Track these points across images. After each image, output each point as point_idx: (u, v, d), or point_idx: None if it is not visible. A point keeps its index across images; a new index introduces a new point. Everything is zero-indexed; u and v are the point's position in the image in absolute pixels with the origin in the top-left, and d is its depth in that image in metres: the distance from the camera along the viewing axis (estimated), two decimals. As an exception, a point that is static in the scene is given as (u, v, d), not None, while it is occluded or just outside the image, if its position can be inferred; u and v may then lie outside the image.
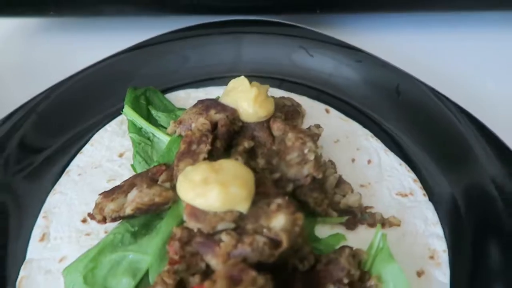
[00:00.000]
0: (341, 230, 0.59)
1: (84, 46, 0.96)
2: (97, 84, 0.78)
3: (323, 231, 0.58)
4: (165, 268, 0.47)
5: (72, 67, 0.81)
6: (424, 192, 0.64)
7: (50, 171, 0.67)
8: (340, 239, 0.57)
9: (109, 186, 0.62)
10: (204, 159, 0.55)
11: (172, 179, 0.55)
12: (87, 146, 0.70)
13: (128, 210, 0.52)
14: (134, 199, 0.52)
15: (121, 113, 0.74)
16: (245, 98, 0.62)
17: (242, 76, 0.65)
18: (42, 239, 0.59)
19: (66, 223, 0.61)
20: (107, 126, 0.73)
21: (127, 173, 0.66)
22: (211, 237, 0.48)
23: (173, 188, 0.54)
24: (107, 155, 0.69)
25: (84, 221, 0.61)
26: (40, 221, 0.61)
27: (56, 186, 0.65)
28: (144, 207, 0.52)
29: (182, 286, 0.47)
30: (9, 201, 0.63)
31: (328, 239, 0.57)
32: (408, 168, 0.67)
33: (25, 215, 0.62)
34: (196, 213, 0.50)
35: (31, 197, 0.64)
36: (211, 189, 0.49)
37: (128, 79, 0.79)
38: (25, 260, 0.57)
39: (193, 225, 0.50)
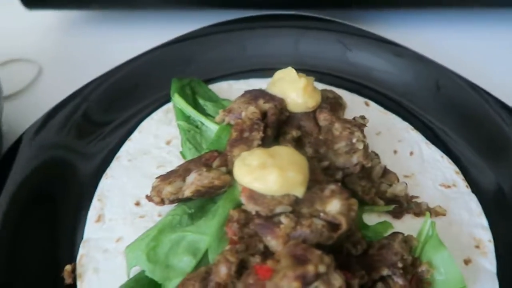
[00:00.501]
0: (387, 218, 0.60)
1: (121, 38, 0.98)
2: (142, 75, 0.80)
3: (370, 219, 0.60)
4: (227, 247, 0.49)
5: (112, 58, 0.83)
6: (466, 183, 0.65)
7: (101, 156, 0.70)
8: (387, 227, 0.58)
9: (159, 172, 0.64)
10: (258, 145, 0.57)
11: (226, 165, 0.57)
12: (135, 133, 0.73)
13: (187, 192, 0.54)
14: (194, 181, 0.54)
15: (166, 102, 0.76)
16: (294, 88, 0.63)
17: (290, 67, 0.66)
18: (98, 220, 0.62)
19: (120, 206, 0.63)
20: (154, 115, 0.75)
21: (176, 160, 0.68)
22: (270, 219, 0.50)
23: (229, 172, 0.56)
24: (155, 142, 0.71)
25: (137, 204, 0.63)
26: (95, 203, 0.63)
27: (108, 171, 0.68)
28: (203, 190, 0.54)
29: (243, 266, 0.49)
30: (64, 181, 0.66)
31: (376, 227, 0.58)
32: (450, 160, 0.68)
33: (80, 197, 0.65)
34: (254, 196, 0.52)
35: (84, 180, 0.67)
36: (269, 173, 0.51)
37: (171, 71, 0.81)
38: (83, 239, 0.60)
39: (251, 207, 0.52)
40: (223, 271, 0.47)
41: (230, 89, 0.80)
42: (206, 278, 0.48)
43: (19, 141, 0.69)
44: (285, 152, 0.54)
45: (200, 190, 0.54)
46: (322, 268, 0.42)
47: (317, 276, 0.41)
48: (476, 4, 0.91)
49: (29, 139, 0.69)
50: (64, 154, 0.68)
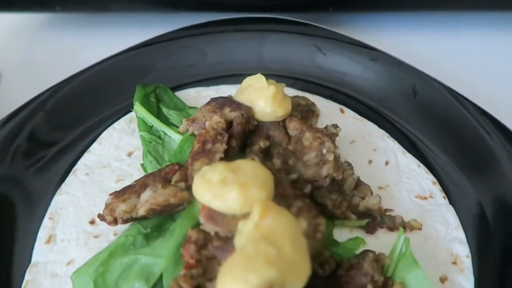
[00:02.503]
0: (360, 233, 0.56)
1: (89, 42, 0.93)
2: (104, 81, 0.75)
3: (341, 234, 0.56)
4: (181, 272, 0.45)
5: (78, 64, 0.78)
6: (444, 194, 0.62)
7: (56, 169, 0.65)
8: (359, 243, 0.55)
9: (118, 187, 0.60)
10: (221, 158, 0.53)
11: (186, 179, 0.53)
12: (94, 145, 0.68)
13: (142, 211, 0.49)
14: (148, 199, 0.49)
15: (130, 111, 0.72)
16: (262, 96, 0.60)
17: (259, 74, 0.62)
18: (48, 241, 0.57)
19: (74, 225, 0.58)
20: (116, 124, 0.70)
21: (137, 173, 0.63)
22: (230, 241, 0.46)
23: (188, 188, 0.52)
24: (116, 154, 0.67)
25: (92, 222, 0.58)
26: (46, 222, 0.58)
27: (63, 186, 0.63)
28: (159, 208, 0.49)
29: (199, 292, 0.45)
30: (15, 198, 0.60)
31: (347, 243, 0.55)
32: (427, 170, 0.65)
33: (30, 215, 0.59)
34: (213, 215, 0.48)
35: (36, 196, 0.62)
36: (229, 190, 0.47)
37: (137, 77, 0.76)
38: (31, 263, 0.55)
39: (210, 228, 0.48)
40: (175, 300, 0.43)
41: (199, 96, 0.76)
42: (157, 307, 0.44)
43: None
44: (248, 167, 0.50)
45: (155, 208, 0.49)
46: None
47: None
48: (453, 7, 0.88)
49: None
50: (13, 171, 0.63)
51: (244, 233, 0.44)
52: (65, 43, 0.94)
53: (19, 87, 0.87)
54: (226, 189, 0.47)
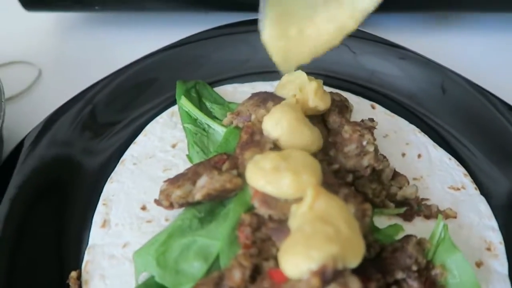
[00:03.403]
0: (398, 221, 0.60)
1: (124, 40, 0.97)
2: (144, 77, 0.79)
3: (381, 222, 0.59)
4: (239, 252, 0.48)
5: (113, 62, 0.82)
6: (475, 186, 0.65)
7: (102, 160, 0.69)
8: (398, 230, 0.58)
9: (165, 176, 0.64)
10: (270, 149, 0.56)
11: (236, 167, 0.56)
12: (140, 137, 0.71)
13: (198, 196, 0.53)
14: (205, 185, 0.53)
15: (171, 106, 0.75)
16: (304, 92, 0.63)
17: (300, 70, 0.66)
18: (103, 226, 0.60)
19: (126, 210, 0.62)
20: (158, 118, 0.74)
21: (182, 163, 0.67)
22: (284, 223, 0.50)
23: (239, 175, 0.55)
24: (160, 146, 0.70)
25: (143, 208, 0.62)
26: (100, 207, 0.62)
27: (113, 175, 0.66)
28: (215, 193, 0.53)
29: (256, 271, 0.48)
30: (68, 185, 0.64)
31: (387, 230, 0.58)
32: (458, 163, 0.68)
33: (84, 202, 0.63)
34: (267, 199, 0.51)
35: (88, 184, 0.65)
36: (283, 177, 0.50)
37: (174, 74, 0.80)
38: (88, 246, 0.58)
39: (264, 211, 0.51)
40: (237, 276, 0.46)
41: (235, 92, 0.79)
42: (219, 283, 0.46)
43: (20, 145, 0.68)
44: (298, 155, 0.53)
45: (211, 193, 0.53)
46: (340, 264, 0.41)
47: (336, 273, 0.41)
48: (480, 9, 0.92)
49: (30, 143, 0.67)
50: (67, 157, 0.67)
51: (299, 215, 0.47)
52: (99, 42, 0.97)
53: (59, 85, 0.91)
54: (279, 175, 0.50)
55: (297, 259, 0.42)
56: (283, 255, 0.44)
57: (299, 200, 0.50)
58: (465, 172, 0.67)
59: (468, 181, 0.65)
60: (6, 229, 0.58)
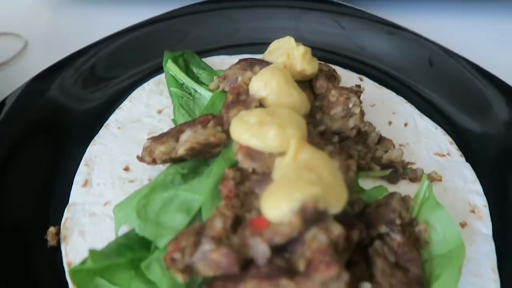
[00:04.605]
0: (383, 183, 0.59)
1: (109, 15, 0.97)
2: (131, 48, 0.79)
3: (365, 184, 0.59)
4: (222, 203, 0.48)
5: (98, 35, 0.82)
6: (460, 153, 0.65)
7: (87, 123, 0.68)
8: (383, 191, 0.57)
9: (150, 139, 0.63)
10: (256, 107, 0.56)
11: (221, 125, 0.56)
12: (125, 102, 0.71)
13: (181, 151, 0.52)
14: (188, 139, 0.52)
15: (157, 73, 0.75)
16: (292, 56, 0.63)
17: (288, 36, 0.66)
18: (85, 185, 0.59)
19: (108, 171, 0.60)
20: (145, 85, 0.73)
21: (167, 128, 0.65)
22: (268, 176, 0.49)
23: (224, 133, 0.55)
24: (146, 111, 0.69)
25: (126, 169, 0.61)
26: (82, 168, 0.61)
27: (96, 138, 0.65)
28: (198, 147, 0.52)
29: (238, 223, 0.47)
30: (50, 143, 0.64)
31: (371, 191, 0.57)
32: (444, 132, 0.68)
33: (65, 162, 0.62)
34: (251, 153, 0.50)
35: (70, 146, 0.65)
36: (268, 130, 0.50)
37: (161, 44, 0.79)
38: (69, 204, 0.57)
39: (248, 164, 0.50)
40: (218, 225, 0.45)
41: (223, 64, 0.79)
42: (200, 233, 0.45)
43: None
44: (283, 111, 0.53)
45: (194, 147, 0.52)
46: (321, 206, 0.41)
47: (317, 215, 0.40)
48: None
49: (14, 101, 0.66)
50: (50, 114, 0.67)
51: (283, 166, 0.47)
52: (85, 16, 0.98)
53: (43, 57, 0.90)
54: (264, 128, 0.50)
55: (278, 201, 0.41)
56: (265, 200, 0.43)
57: (283, 154, 0.50)
58: (451, 140, 0.67)
59: (453, 149, 0.66)
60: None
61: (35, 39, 0.92)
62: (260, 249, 0.42)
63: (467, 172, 0.63)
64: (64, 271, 0.50)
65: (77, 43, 0.83)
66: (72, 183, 0.59)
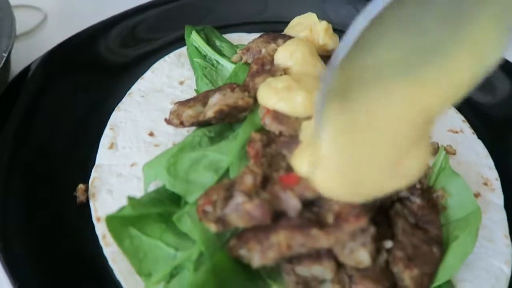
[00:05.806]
0: (400, 155, 0.62)
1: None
2: (150, 22, 0.81)
3: (383, 155, 0.61)
4: (251, 161, 0.49)
5: (115, 10, 0.83)
6: (472, 131, 0.68)
7: (110, 95, 0.69)
8: (400, 162, 0.60)
9: (173, 107, 0.64)
10: (281, 75, 0.58)
11: (248, 91, 0.57)
12: (147, 73, 0.72)
13: (210, 113, 0.53)
14: (218, 101, 0.53)
15: (178, 47, 0.76)
16: (314, 31, 0.65)
17: (309, 12, 0.68)
18: (111, 147, 0.60)
19: (134, 135, 0.62)
20: (166, 57, 0.75)
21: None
22: (294, 138, 0.51)
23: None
24: (168, 82, 0.71)
25: (151, 134, 0.62)
26: (107, 131, 0.62)
27: (120, 105, 0.67)
28: (226, 110, 0.53)
29: (266, 181, 0.48)
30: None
31: (390, 161, 0.60)
32: (456, 110, 0.71)
33: (90, 125, 0.64)
34: (278, 116, 0.52)
35: (96, 112, 0.66)
36: (296, 95, 0.52)
37: (182, 19, 0.81)
38: (95, 165, 0.58)
39: (275, 127, 0.52)
40: (248, 181, 0.46)
41: (241, 40, 0.80)
42: (229, 189, 0.47)
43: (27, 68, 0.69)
44: (309, 78, 0.55)
45: (223, 109, 0.53)
46: None
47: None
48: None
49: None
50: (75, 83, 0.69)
51: (311, 128, 0.49)
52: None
53: (62, 30, 0.91)
54: (292, 93, 0.52)
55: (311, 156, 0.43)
56: (296, 156, 0.45)
57: (309, 118, 0.52)
58: (463, 118, 0.69)
59: (466, 126, 0.68)
60: (19, 145, 0.58)
61: (54, 13, 0.94)
62: (291, 203, 0.44)
63: (479, 148, 0.65)
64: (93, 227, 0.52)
65: (95, 16, 0.85)
66: (97, 146, 0.61)
